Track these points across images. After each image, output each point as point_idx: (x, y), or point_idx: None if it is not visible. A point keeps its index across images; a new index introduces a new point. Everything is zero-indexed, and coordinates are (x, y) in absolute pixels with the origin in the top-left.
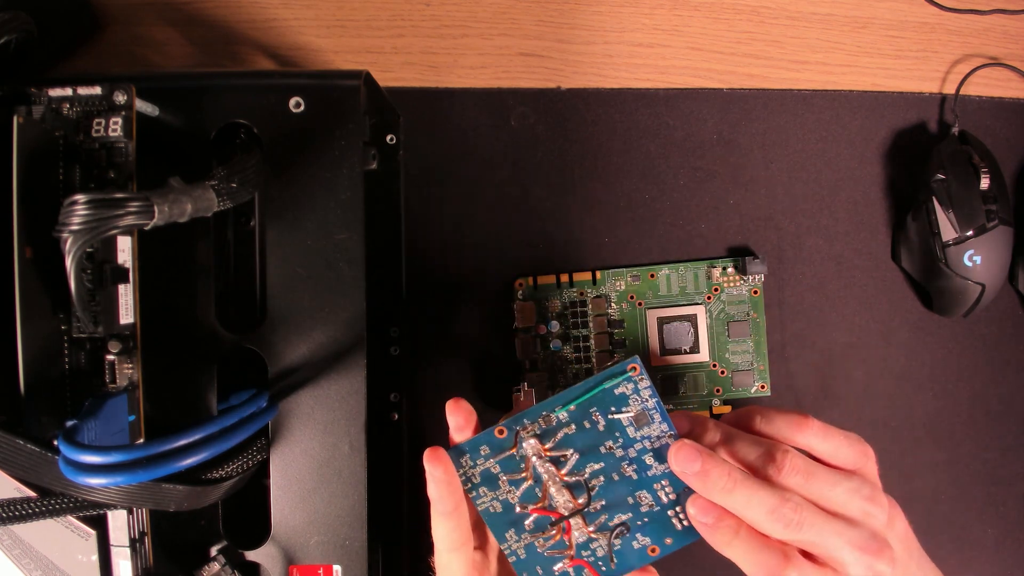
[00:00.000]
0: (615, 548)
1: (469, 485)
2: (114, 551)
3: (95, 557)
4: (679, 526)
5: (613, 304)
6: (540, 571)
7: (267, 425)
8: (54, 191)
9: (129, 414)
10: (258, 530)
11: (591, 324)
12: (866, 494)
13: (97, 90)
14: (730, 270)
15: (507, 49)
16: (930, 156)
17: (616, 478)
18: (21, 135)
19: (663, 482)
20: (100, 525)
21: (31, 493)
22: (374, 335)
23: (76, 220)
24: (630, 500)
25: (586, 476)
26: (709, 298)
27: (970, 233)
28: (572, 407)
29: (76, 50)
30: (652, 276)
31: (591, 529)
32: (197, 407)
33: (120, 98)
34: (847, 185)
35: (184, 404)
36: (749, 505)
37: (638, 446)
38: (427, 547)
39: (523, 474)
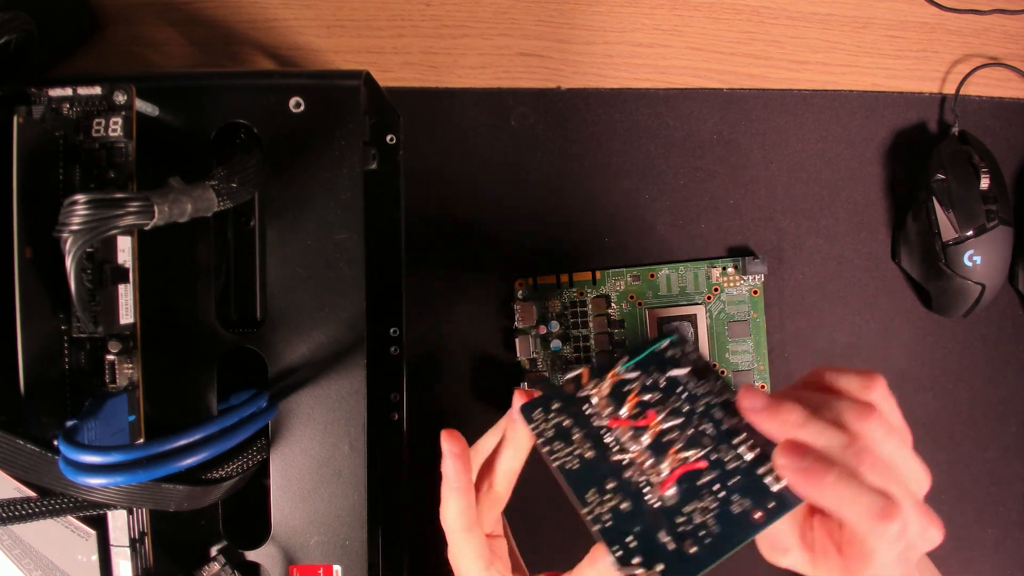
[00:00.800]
0: (713, 511)
1: (543, 439)
2: (114, 551)
3: (95, 557)
4: (774, 488)
5: (613, 304)
6: (636, 532)
7: (267, 425)
8: (54, 191)
9: (129, 414)
10: (258, 530)
11: (591, 324)
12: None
13: (97, 90)
14: (730, 270)
15: (507, 49)
16: (930, 156)
17: (691, 432)
18: (21, 135)
19: (742, 436)
20: (100, 525)
21: (31, 493)
22: (374, 335)
23: (76, 220)
24: (713, 456)
25: (664, 427)
26: (709, 298)
27: (970, 233)
28: (632, 364)
29: (76, 50)
30: (652, 276)
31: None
32: (197, 407)
33: (120, 98)
34: (847, 185)
35: (184, 404)
36: (822, 435)
37: (703, 401)
38: (426, 547)
39: (601, 428)
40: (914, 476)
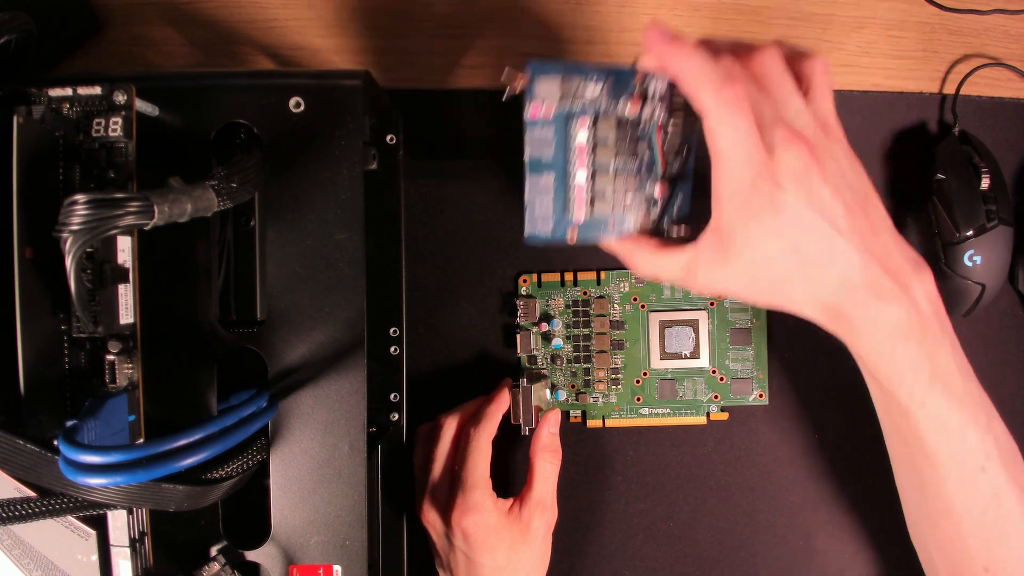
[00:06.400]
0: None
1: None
2: (114, 551)
3: (95, 557)
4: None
5: (616, 305)
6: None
7: (267, 425)
8: (54, 191)
9: (129, 414)
10: (258, 530)
11: (593, 324)
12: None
13: (97, 90)
14: None
15: (507, 49)
16: (930, 156)
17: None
18: (21, 135)
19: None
20: (100, 525)
21: (31, 493)
22: (374, 335)
23: (76, 220)
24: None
25: None
26: (712, 304)
27: (970, 233)
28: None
29: (76, 50)
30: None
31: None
32: (197, 407)
33: (120, 98)
34: None
35: (184, 404)
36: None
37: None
38: (427, 550)
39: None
40: (793, 106)
